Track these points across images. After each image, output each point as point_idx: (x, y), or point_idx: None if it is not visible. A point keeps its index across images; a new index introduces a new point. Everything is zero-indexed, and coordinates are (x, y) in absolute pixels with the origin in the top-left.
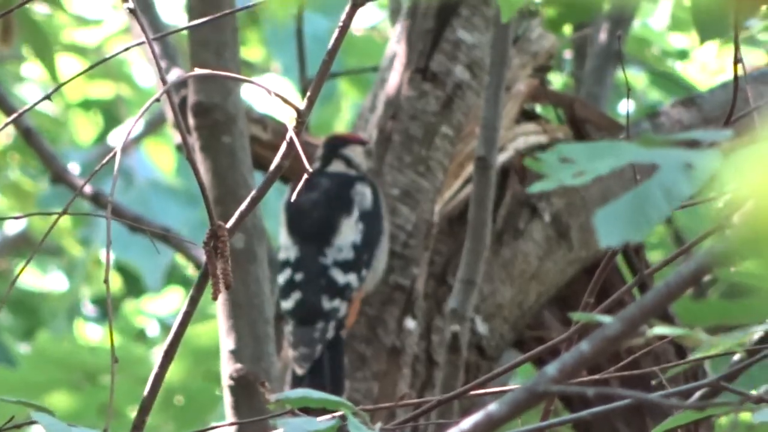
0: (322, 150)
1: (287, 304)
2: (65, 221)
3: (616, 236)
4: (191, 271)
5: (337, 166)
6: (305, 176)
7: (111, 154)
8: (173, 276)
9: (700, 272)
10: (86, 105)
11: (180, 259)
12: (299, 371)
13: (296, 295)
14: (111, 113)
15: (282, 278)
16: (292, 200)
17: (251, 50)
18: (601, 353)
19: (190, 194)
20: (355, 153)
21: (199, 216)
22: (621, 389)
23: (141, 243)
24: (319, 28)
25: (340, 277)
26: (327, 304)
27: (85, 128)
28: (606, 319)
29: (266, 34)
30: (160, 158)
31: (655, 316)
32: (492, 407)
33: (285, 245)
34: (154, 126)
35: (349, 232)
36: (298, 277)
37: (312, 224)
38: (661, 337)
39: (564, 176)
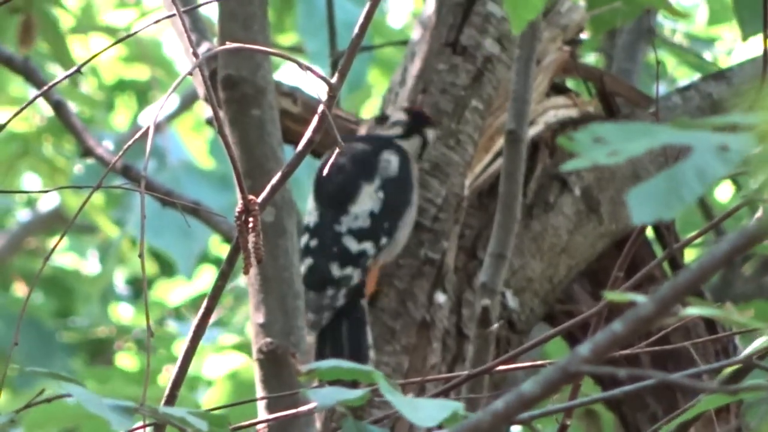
0: (406, 118)
1: (302, 270)
2: (98, 199)
3: (648, 214)
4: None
5: (413, 144)
6: (335, 151)
7: (144, 129)
8: (206, 257)
9: (733, 252)
10: (120, 87)
11: (213, 241)
12: (308, 338)
13: (308, 261)
14: (146, 96)
15: (302, 242)
16: (325, 164)
17: (285, 36)
18: (634, 333)
19: (222, 176)
20: (431, 137)
21: (230, 198)
22: (651, 368)
23: (173, 227)
24: (350, 15)
25: (353, 245)
26: (337, 271)
27: (120, 111)
28: (639, 298)
29: (299, 20)
30: (192, 140)
31: (687, 295)
32: (524, 386)
33: (309, 209)
34: (186, 105)
35: (367, 200)
36: (313, 243)
37: (333, 189)
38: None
39: (598, 155)
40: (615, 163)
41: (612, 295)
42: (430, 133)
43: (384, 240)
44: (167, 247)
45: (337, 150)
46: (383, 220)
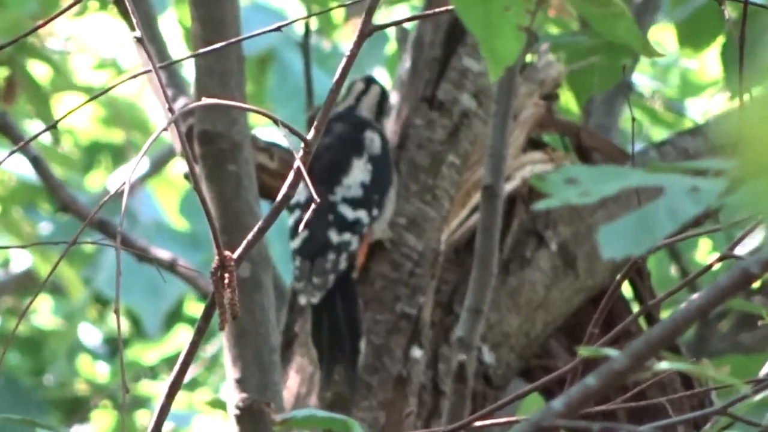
0: (363, 83)
1: (295, 243)
2: (69, 257)
3: (618, 250)
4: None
5: (373, 94)
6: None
7: (121, 184)
8: (180, 317)
9: (706, 306)
10: (96, 148)
11: (188, 302)
12: (309, 299)
13: (304, 233)
14: (121, 158)
15: (292, 219)
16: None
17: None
18: (608, 387)
19: (194, 237)
20: (387, 107)
21: (201, 258)
22: (627, 423)
23: (143, 285)
24: (324, 88)
25: (349, 213)
26: (336, 237)
27: (95, 173)
28: (612, 353)
29: (271, 89)
30: (167, 200)
31: (662, 349)
32: None
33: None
34: (159, 166)
35: (358, 173)
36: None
37: (323, 165)
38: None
39: (570, 196)
40: (586, 203)
41: (585, 351)
42: (386, 105)
43: (375, 211)
44: (136, 305)
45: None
46: (373, 192)
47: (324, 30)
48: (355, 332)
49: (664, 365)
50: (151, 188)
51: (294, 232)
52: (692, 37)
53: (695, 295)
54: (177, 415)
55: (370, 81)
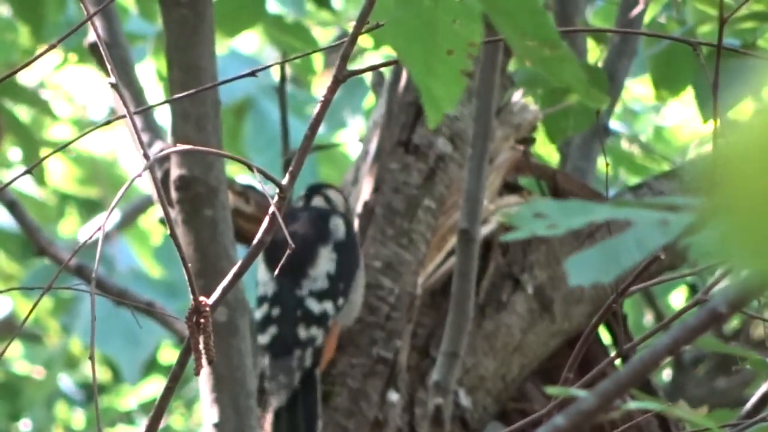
0: (304, 191)
1: (263, 339)
2: (48, 303)
3: (585, 278)
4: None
5: (317, 202)
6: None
7: (97, 228)
8: (155, 365)
9: (675, 346)
10: (69, 198)
11: (164, 349)
12: (276, 403)
13: (272, 330)
14: (96, 210)
15: (259, 314)
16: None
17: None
18: (576, 427)
19: (170, 285)
20: (334, 194)
21: (177, 305)
22: None
23: (121, 333)
24: (300, 135)
25: (315, 306)
26: (303, 333)
27: (69, 220)
28: (581, 393)
29: (247, 136)
30: (141, 250)
31: (630, 389)
32: None
33: (263, 281)
34: (134, 216)
35: (324, 262)
36: (275, 312)
37: (289, 257)
38: (645, 410)
39: (537, 228)
40: (553, 235)
41: (554, 390)
42: (332, 193)
43: (341, 300)
44: (114, 353)
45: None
46: (339, 281)
47: (301, 78)
48: (311, 427)
49: (633, 404)
50: (126, 239)
51: (262, 326)
52: (667, 80)
53: (664, 336)
54: None
55: (311, 192)
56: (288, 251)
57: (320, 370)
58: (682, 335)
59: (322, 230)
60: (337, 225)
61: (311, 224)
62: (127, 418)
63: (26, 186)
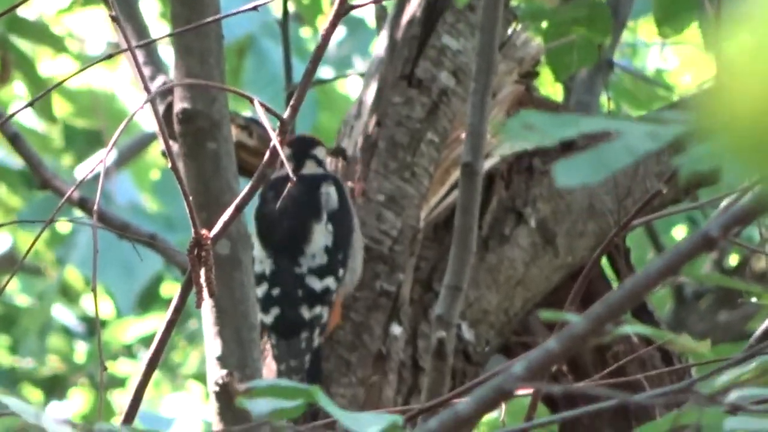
0: (293, 150)
1: (267, 319)
2: (45, 235)
3: (574, 179)
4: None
5: (309, 167)
6: (272, 180)
7: (99, 161)
8: (156, 297)
9: (667, 270)
10: (71, 133)
11: (166, 280)
12: (264, 371)
13: (275, 311)
14: (98, 144)
15: (260, 292)
16: (261, 210)
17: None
18: (568, 351)
19: (168, 219)
20: (322, 154)
21: (177, 241)
22: (604, 390)
23: (116, 264)
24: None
25: (317, 284)
26: (307, 313)
27: (70, 155)
28: (572, 317)
29: (247, 75)
30: (143, 185)
31: (622, 313)
32: (459, 405)
33: (259, 257)
34: (136, 151)
35: (320, 237)
36: (275, 291)
37: (283, 234)
38: (648, 343)
39: (528, 137)
40: (543, 143)
41: (548, 315)
42: (320, 152)
43: (341, 271)
44: (109, 284)
45: (272, 187)
46: (337, 252)
47: (305, 17)
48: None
49: (626, 328)
50: (128, 173)
51: (265, 306)
52: (670, 17)
53: (657, 259)
54: (159, 419)
55: (304, 151)
56: (282, 228)
57: (325, 337)
58: (674, 259)
59: (314, 203)
60: (329, 194)
61: (302, 198)
62: (128, 351)
63: (28, 120)
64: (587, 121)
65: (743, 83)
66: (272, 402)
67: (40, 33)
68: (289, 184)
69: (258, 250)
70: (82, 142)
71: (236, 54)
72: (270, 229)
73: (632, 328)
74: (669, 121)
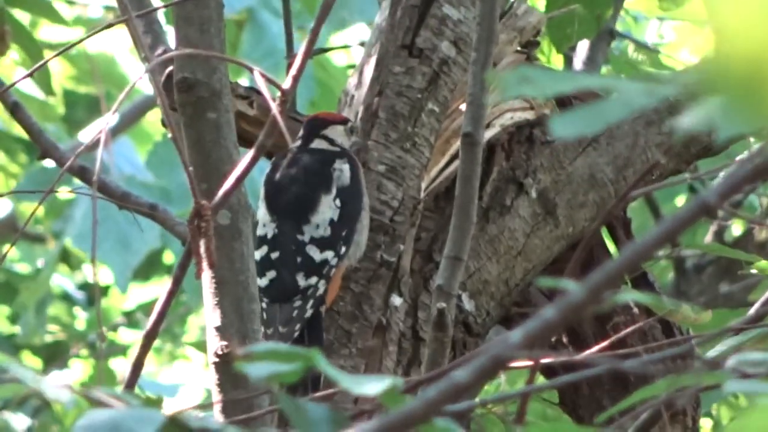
0: (303, 130)
1: (262, 282)
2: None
3: (570, 130)
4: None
5: (318, 144)
6: (289, 154)
7: (98, 133)
8: (160, 265)
9: (664, 237)
10: (72, 100)
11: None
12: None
13: (271, 274)
14: (96, 111)
15: (258, 255)
16: (271, 175)
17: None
18: (566, 319)
19: (165, 190)
20: (336, 133)
21: (174, 213)
22: (602, 359)
23: (112, 238)
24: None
25: (316, 255)
26: (303, 281)
27: (72, 123)
28: (570, 284)
29: (245, 47)
30: (143, 149)
31: (621, 280)
32: (457, 374)
33: (263, 221)
34: (138, 114)
35: (326, 210)
36: (274, 255)
37: (290, 201)
38: (649, 315)
39: (525, 90)
40: (540, 95)
41: (544, 281)
42: (333, 131)
43: (343, 248)
44: (105, 258)
45: (285, 158)
46: (341, 229)
47: None
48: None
49: (623, 296)
50: (128, 139)
51: (261, 268)
52: None
53: (655, 227)
54: (163, 387)
55: (310, 133)
56: (288, 196)
57: (326, 308)
58: (673, 226)
59: (324, 176)
60: (342, 170)
61: (314, 169)
62: (129, 318)
63: (28, 87)
64: (584, 77)
65: (741, 33)
66: (271, 365)
67: (37, 4)
68: (301, 155)
69: (262, 214)
70: (83, 108)
71: (235, 26)
72: (278, 194)
73: (631, 296)
74: (666, 81)
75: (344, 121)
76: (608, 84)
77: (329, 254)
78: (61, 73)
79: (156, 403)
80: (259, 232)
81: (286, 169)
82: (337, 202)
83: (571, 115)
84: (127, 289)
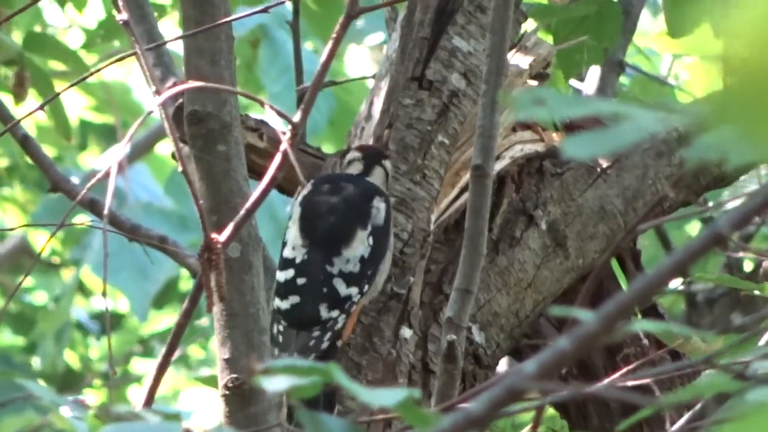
0: (362, 157)
1: (283, 304)
2: (60, 235)
3: (582, 151)
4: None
5: (376, 175)
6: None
7: (109, 166)
8: (174, 293)
9: (676, 266)
10: (86, 129)
11: (183, 275)
12: None
13: (294, 299)
14: (113, 138)
15: (282, 276)
16: (310, 198)
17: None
18: (580, 350)
19: (182, 218)
20: (389, 167)
21: (190, 238)
22: (614, 391)
23: (131, 267)
24: (313, 66)
25: (342, 289)
26: (325, 313)
27: (89, 152)
28: (583, 314)
29: (262, 64)
30: (159, 176)
31: (633, 311)
32: (471, 406)
33: (293, 243)
34: (151, 143)
35: (359, 246)
36: (301, 281)
37: (326, 229)
38: (659, 346)
39: (537, 113)
40: (552, 118)
41: (556, 310)
42: (388, 164)
43: (366, 287)
44: (123, 287)
45: (327, 181)
46: (368, 267)
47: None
48: (330, 405)
49: (636, 326)
50: (146, 167)
51: (283, 291)
52: (680, 16)
53: (667, 257)
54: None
55: (375, 158)
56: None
57: (342, 342)
58: (684, 255)
59: (363, 211)
60: (379, 209)
61: (355, 202)
62: (145, 346)
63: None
64: (596, 102)
65: (748, 57)
66: (289, 379)
67: (55, 48)
68: (345, 184)
69: (294, 236)
70: (100, 136)
71: (250, 45)
72: (314, 219)
73: (643, 326)
74: (678, 111)
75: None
76: (620, 110)
77: (354, 290)
78: (75, 102)
79: (174, 418)
80: (287, 253)
81: (326, 195)
82: (371, 240)
83: (583, 138)
84: (146, 318)
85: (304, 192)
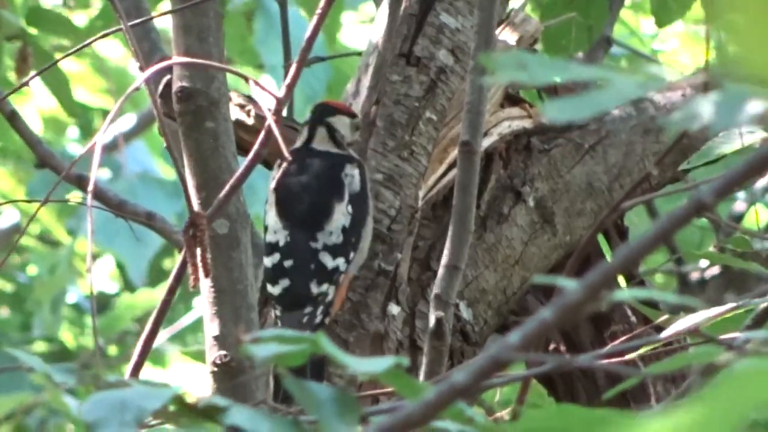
0: (309, 116)
1: (275, 290)
2: (52, 209)
3: (562, 114)
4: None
5: (321, 135)
6: (296, 156)
7: (92, 142)
8: (163, 271)
9: (660, 235)
10: (83, 110)
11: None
12: None
13: (284, 282)
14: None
15: (269, 262)
16: (281, 181)
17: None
18: (563, 320)
19: (178, 185)
20: (341, 123)
21: (184, 206)
22: (606, 380)
23: (126, 233)
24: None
25: (329, 262)
26: (315, 288)
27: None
28: (567, 282)
29: (257, 35)
30: (155, 153)
31: (615, 283)
32: (455, 377)
33: (273, 227)
34: (150, 120)
35: (340, 217)
36: (288, 263)
37: (304, 209)
38: (647, 322)
39: (517, 76)
40: (530, 82)
41: (541, 278)
42: (338, 121)
43: (352, 254)
44: (119, 252)
45: (292, 161)
46: (351, 235)
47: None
48: (319, 377)
49: (619, 294)
50: (142, 142)
51: (273, 277)
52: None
53: (651, 226)
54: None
55: (317, 120)
56: (302, 204)
57: (329, 318)
58: (667, 225)
59: (337, 183)
60: (353, 175)
61: (326, 176)
62: (139, 324)
63: (42, 101)
64: (579, 68)
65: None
66: (277, 346)
67: (58, 23)
68: (310, 159)
69: (273, 221)
70: (95, 118)
71: (244, 17)
72: (290, 201)
73: (628, 294)
74: (659, 76)
75: (352, 115)
76: (602, 75)
77: (340, 260)
78: (81, 82)
79: (162, 386)
80: (269, 238)
81: (296, 176)
82: (349, 208)
83: (564, 101)
84: (142, 283)
85: (275, 175)
